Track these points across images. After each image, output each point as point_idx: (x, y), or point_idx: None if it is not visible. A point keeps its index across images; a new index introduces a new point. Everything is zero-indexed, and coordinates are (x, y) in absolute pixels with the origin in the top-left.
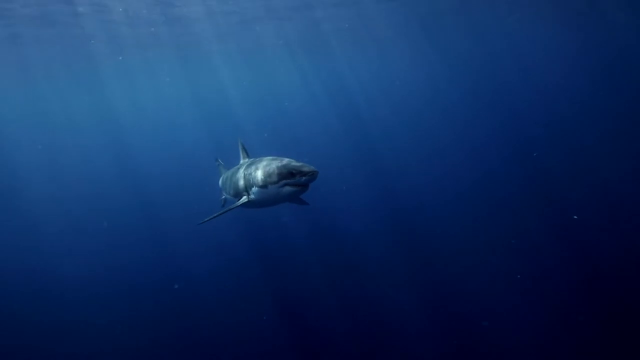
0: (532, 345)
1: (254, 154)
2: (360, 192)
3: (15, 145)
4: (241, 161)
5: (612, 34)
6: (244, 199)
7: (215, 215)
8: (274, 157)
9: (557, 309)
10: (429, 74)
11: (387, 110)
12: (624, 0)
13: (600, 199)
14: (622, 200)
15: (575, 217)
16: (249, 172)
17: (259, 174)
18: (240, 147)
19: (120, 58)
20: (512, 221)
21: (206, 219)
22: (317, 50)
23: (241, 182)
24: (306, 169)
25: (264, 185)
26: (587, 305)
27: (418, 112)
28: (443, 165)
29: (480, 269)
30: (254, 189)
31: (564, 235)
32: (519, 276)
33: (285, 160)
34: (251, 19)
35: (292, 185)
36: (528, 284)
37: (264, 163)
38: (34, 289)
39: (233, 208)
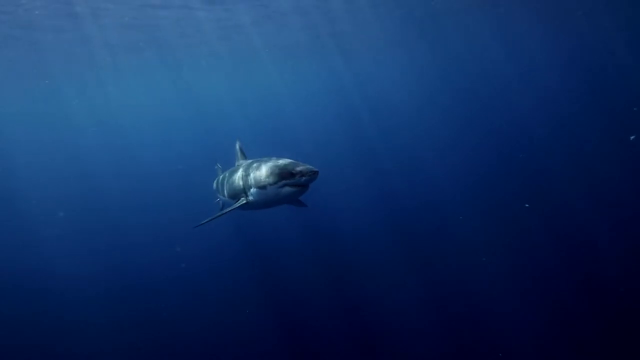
0: (532, 345)
1: (251, 156)
2: (360, 192)
3: (14, 146)
4: (237, 162)
5: (605, 37)
6: (242, 200)
7: (213, 217)
8: (273, 158)
9: (557, 309)
10: (429, 74)
11: (386, 111)
12: (616, 4)
13: (600, 198)
14: (622, 200)
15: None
16: (247, 173)
17: (258, 175)
18: (237, 149)
19: (109, 59)
20: (512, 221)
21: (203, 222)
22: (316, 51)
23: (239, 184)
24: (306, 168)
25: (262, 186)
26: (587, 305)
27: (418, 112)
28: (443, 165)
29: (480, 269)
30: (253, 190)
31: (564, 235)
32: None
33: (285, 161)
34: (248, 22)
35: (292, 185)
36: (528, 284)
37: (262, 164)
38: (34, 289)
39: (231, 210)
